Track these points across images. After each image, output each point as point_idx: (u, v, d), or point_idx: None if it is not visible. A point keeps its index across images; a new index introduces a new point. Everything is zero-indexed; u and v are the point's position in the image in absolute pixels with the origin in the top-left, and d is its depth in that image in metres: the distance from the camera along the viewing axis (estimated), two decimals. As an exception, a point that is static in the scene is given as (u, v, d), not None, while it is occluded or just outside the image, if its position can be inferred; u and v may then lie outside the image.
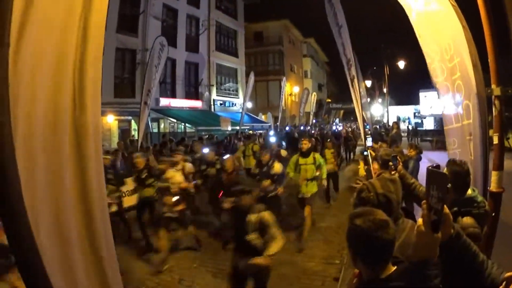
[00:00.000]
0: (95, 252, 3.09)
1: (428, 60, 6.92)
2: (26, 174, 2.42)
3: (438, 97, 7.11)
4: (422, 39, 6.92)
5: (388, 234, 2.50)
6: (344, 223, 9.07)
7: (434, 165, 2.31)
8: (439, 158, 7.13)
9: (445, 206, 2.19)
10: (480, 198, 4.29)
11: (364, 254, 2.62)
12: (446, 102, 6.69)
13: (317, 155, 12.35)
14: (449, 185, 2.12)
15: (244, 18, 47.27)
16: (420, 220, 2.19)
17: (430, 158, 21.22)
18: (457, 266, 2.58)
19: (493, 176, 5.16)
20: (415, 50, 7.33)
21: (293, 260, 10.00)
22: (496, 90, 5.00)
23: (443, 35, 6.10)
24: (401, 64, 39.67)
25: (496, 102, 5.03)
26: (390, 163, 5.99)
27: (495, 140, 5.14)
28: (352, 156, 28.97)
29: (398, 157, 6.06)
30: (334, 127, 40.09)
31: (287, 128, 36.59)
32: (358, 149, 29.71)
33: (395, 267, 2.58)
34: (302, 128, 38.61)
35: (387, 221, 2.56)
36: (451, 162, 4.42)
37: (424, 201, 2.17)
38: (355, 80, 12.02)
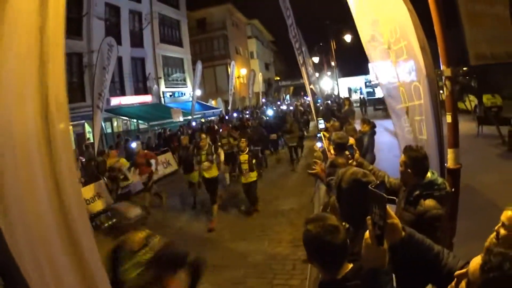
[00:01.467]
0: (77, 254, 3.09)
1: (371, 44, 7.01)
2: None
3: (377, 80, 7.23)
4: (359, 24, 7.02)
5: (338, 239, 2.64)
6: (306, 203, 9.22)
7: (378, 182, 2.41)
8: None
9: (392, 215, 2.48)
10: (440, 180, 4.38)
11: (317, 257, 2.79)
12: (390, 82, 6.79)
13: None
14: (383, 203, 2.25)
15: (186, 7, 46.68)
16: (366, 234, 2.33)
17: (385, 127, 21.61)
18: (413, 263, 2.73)
19: (450, 153, 5.29)
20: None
21: (261, 248, 10.14)
22: (446, 71, 5.10)
23: (388, 18, 6.17)
24: (348, 38, 39.99)
25: (447, 82, 5.13)
26: (347, 152, 6.08)
27: (449, 119, 5.26)
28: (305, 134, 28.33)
29: (353, 145, 6.14)
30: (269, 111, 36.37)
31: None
32: (311, 124, 29.96)
33: (351, 265, 2.74)
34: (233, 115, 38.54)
35: (337, 226, 2.70)
36: (408, 149, 4.50)
37: (368, 217, 2.31)
38: (304, 66, 12.18)
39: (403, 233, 2.61)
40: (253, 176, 12.87)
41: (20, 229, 2.61)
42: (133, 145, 15.22)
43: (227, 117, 34.64)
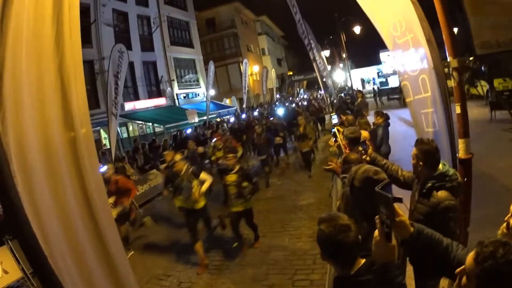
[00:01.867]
0: (106, 257, 3.21)
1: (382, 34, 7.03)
2: (25, 188, 2.58)
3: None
4: (371, 16, 7.03)
5: (349, 237, 2.80)
6: (324, 197, 9.26)
7: (384, 183, 2.56)
8: (408, 115, 7.31)
9: (400, 214, 2.63)
10: (451, 171, 4.43)
11: (330, 255, 2.96)
12: (410, 70, 6.81)
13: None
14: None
15: (194, 8, 46.75)
16: (376, 232, 2.55)
17: (400, 116, 21.51)
18: (423, 256, 2.86)
19: (460, 143, 5.30)
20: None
21: (281, 244, 10.25)
22: (453, 62, 5.11)
23: (392, 12, 6.20)
24: (357, 29, 39.72)
25: (454, 73, 5.15)
26: (360, 148, 6.13)
27: (458, 110, 5.28)
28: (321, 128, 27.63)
29: (366, 140, 6.19)
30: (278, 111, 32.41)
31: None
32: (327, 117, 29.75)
33: (364, 260, 2.89)
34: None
35: (348, 225, 2.86)
36: (420, 142, 4.54)
37: (377, 216, 2.50)
38: (315, 62, 12.22)
39: (412, 229, 2.72)
40: (245, 204, 10.14)
41: (51, 232, 2.74)
42: (102, 169, 11.84)
43: (243, 115, 33.98)
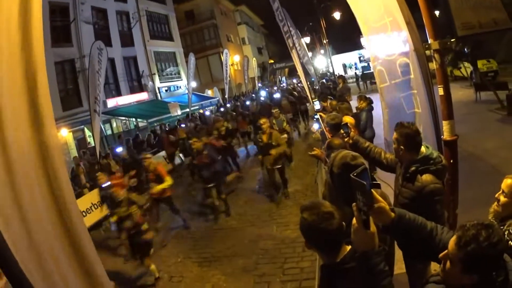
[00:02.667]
0: (80, 262, 3.17)
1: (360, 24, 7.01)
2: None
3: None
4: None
5: (332, 224, 2.76)
6: (310, 184, 9.24)
7: (360, 170, 2.46)
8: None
9: (379, 199, 2.60)
10: (435, 154, 4.39)
11: (315, 243, 2.92)
12: (386, 55, 6.79)
13: None
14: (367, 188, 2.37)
15: (173, 0, 46.58)
16: (354, 219, 2.50)
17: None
18: (407, 241, 2.86)
19: (445, 125, 5.30)
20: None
21: (269, 233, 10.24)
22: (434, 44, 5.10)
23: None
24: (337, 15, 39.72)
25: (436, 55, 5.13)
26: (342, 131, 6.09)
27: (441, 92, 5.28)
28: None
29: (348, 123, 6.16)
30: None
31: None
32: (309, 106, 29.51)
33: (349, 247, 2.84)
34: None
35: (331, 212, 2.82)
36: (400, 125, 4.49)
37: (354, 203, 2.47)
38: (294, 49, 12.15)
39: (393, 215, 2.69)
40: None
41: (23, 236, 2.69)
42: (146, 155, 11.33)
43: (221, 109, 33.22)
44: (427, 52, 5.38)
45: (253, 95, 41.65)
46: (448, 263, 2.31)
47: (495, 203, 3.48)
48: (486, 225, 2.14)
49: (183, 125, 22.10)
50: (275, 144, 11.94)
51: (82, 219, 3.56)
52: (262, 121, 12.44)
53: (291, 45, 12.51)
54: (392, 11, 5.58)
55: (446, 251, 2.33)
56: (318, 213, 2.81)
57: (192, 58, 31.14)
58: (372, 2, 6.15)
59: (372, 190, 2.44)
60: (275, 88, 43.70)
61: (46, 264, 2.86)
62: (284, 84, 55.94)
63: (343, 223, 2.82)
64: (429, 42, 5.22)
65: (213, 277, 8.66)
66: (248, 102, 30.00)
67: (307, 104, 22.02)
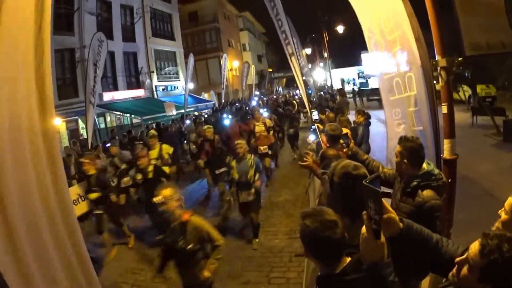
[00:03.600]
0: (63, 250, 3.08)
1: (367, 34, 6.98)
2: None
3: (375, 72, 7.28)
4: (359, 13, 6.98)
5: (336, 234, 2.62)
6: (301, 194, 9.15)
7: (373, 177, 2.40)
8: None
9: (389, 209, 2.52)
10: (436, 171, 4.36)
11: (315, 252, 2.78)
12: (385, 73, 6.77)
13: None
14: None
15: (178, 0, 46.55)
16: (363, 228, 2.39)
17: (379, 118, 21.58)
18: (414, 253, 2.86)
19: (446, 144, 5.28)
20: (354, 14, 7.35)
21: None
22: (441, 61, 5.07)
23: (381, 8, 6.15)
24: (340, 29, 39.92)
25: (442, 72, 5.11)
26: (342, 141, 6.04)
27: (444, 110, 5.24)
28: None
29: (348, 134, 6.11)
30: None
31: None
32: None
33: (349, 259, 2.73)
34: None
35: (335, 221, 2.68)
36: (404, 139, 4.46)
37: (364, 212, 2.35)
38: (294, 57, 12.05)
39: (401, 225, 2.64)
40: None
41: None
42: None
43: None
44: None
45: (237, 104, 40.51)
46: (465, 269, 2.27)
47: (498, 221, 3.44)
48: (508, 238, 2.12)
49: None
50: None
51: (73, 208, 3.48)
52: (239, 142, 10.21)
53: (290, 51, 12.37)
54: (402, 25, 5.55)
55: (464, 256, 2.29)
56: (321, 221, 2.67)
57: (191, 59, 31.06)
58: (382, 14, 6.12)
59: (382, 199, 2.36)
60: (265, 99, 41.92)
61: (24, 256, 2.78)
62: (280, 95, 55.85)
63: (345, 233, 2.72)
64: (436, 59, 5.19)
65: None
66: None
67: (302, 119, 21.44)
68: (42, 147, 3.06)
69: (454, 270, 2.36)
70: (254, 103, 35.19)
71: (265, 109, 20.00)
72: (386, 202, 2.53)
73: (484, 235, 2.18)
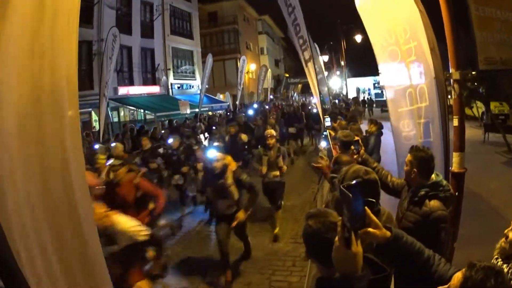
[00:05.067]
0: (81, 248, 3.06)
1: (381, 44, 6.98)
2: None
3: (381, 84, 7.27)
4: (371, 24, 6.99)
5: None
6: (309, 200, 9.14)
7: (353, 183, 2.14)
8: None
9: (371, 217, 2.34)
10: (444, 182, 4.37)
11: (316, 253, 2.71)
12: (397, 84, 6.76)
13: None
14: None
15: (198, 0, 46.65)
16: (336, 237, 2.19)
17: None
18: (400, 266, 2.65)
19: (455, 157, 5.27)
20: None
21: (262, 243, 10.12)
22: (455, 74, 5.07)
23: (397, 19, 6.15)
24: (358, 38, 39.91)
25: (455, 85, 5.11)
26: (352, 147, 6.04)
27: (455, 123, 5.23)
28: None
29: (359, 141, 6.11)
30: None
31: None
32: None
33: None
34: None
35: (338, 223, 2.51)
36: (415, 149, 4.47)
37: (339, 217, 2.19)
38: (310, 62, 11.99)
39: (388, 234, 2.50)
40: None
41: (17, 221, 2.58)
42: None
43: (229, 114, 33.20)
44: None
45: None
46: None
47: (503, 239, 3.36)
48: (497, 272, 2.00)
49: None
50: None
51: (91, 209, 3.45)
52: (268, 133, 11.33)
53: (307, 57, 12.28)
54: (418, 36, 5.55)
55: (445, 286, 2.18)
56: (324, 222, 2.63)
57: (210, 59, 31.07)
58: (400, 25, 6.12)
59: (365, 208, 2.23)
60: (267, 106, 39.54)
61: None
62: (294, 98, 55.61)
63: None
64: (450, 71, 5.18)
65: (196, 280, 8.56)
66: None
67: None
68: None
69: None
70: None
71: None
72: (383, 214, 2.48)
73: (469, 266, 2.07)
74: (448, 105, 5.51)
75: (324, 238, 2.56)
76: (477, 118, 24.93)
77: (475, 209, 9.24)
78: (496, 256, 3.55)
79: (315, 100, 24.23)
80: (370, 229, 2.33)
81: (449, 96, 5.83)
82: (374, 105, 43.44)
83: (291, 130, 20.79)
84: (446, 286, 2.17)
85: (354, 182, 2.22)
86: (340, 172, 3.76)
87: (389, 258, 2.57)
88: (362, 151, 5.87)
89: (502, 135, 17.89)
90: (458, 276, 2.09)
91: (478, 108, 25.53)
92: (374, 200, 2.71)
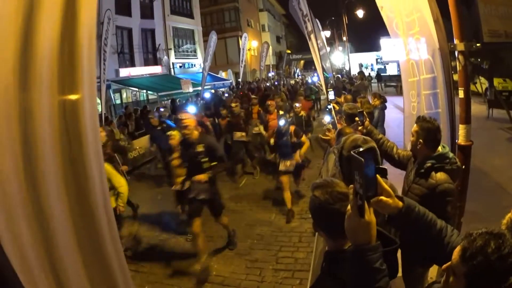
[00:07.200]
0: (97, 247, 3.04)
1: (388, 15, 6.90)
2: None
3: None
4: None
5: (346, 207, 2.23)
6: (314, 175, 9.14)
7: (365, 148, 2.00)
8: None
9: (383, 185, 2.22)
10: (451, 155, 4.31)
11: (323, 225, 2.60)
12: (405, 55, 6.71)
13: None
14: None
15: (198, -22, 46.20)
16: (348, 206, 2.09)
17: (395, 104, 21.45)
18: (412, 237, 2.56)
19: (461, 129, 5.21)
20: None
21: (268, 219, 10.15)
22: (459, 45, 4.99)
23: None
24: (360, 13, 39.59)
25: (460, 57, 5.03)
26: (357, 119, 6.00)
27: (461, 95, 5.17)
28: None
29: (364, 112, 6.07)
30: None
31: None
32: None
33: None
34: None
35: (346, 193, 2.44)
36: (422, 119, 4.39)
37: (351, 185, 2.06)
38: (312, 35, 11.94)
39: (401, 204, 2.38)
40: None
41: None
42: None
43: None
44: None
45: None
46: (451, 277, 2.05)
47: (510, 213, 3.28)
48: (496, 234, 1.87)
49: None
50: None
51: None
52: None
53: (309, 29, 12.18)
54: (421, 7, 5.46)
55: (449, 263, 2.06)
56: (331, 192, 2.49)
57: (214, 36, 30.75)
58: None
59: (377, 175, 2.12)
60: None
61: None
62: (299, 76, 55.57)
63: None
64: (455, 42, 5.10)
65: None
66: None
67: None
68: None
69: (444, 277, 2.13)
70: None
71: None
72: (386, 181, 2.40)
73: (466, 236, 1.96)
74: (453, 81, 5.44)
75: (332, 209, 2.46)
76: (481, 94, 24.80)
77: (479, 185, 9.20)
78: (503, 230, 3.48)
79: (315, 78, 24.40)
80: (382, 198, 2.25)
81: (453, 72, 5.76)
82: (381, 80, 43.20)
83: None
84: (448, 264, 2.07)
85: (366, 147, 2.23)
86: (339, 142, 3.72)
87: (401, 229, 2.58)
88: (367, 122, 5.81)
89: (506, 111, 17.83)
90: (456, 251, 1.99)
91: (482, 84, 25.40)
92: (385, 168, 2.61)
